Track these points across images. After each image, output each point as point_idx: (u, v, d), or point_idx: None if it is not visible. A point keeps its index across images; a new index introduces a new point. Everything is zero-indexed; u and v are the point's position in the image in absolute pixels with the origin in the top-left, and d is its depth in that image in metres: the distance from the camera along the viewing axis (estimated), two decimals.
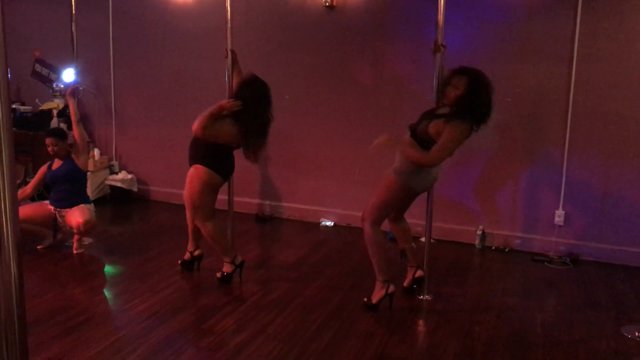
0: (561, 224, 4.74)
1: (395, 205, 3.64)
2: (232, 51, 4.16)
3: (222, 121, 3.74)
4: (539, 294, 4.01)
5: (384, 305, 3.57)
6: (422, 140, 3.44)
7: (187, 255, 4.23)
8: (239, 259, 4.02)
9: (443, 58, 3.66)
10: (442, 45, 3.61)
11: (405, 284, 3.89)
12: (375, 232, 3.56)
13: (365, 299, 3.63)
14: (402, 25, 5.09)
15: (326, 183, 5.56)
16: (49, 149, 4.56)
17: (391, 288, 3.57)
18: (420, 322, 3.56)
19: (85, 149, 4.62)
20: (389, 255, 3.73)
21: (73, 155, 4.57)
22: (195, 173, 3.83)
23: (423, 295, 3.81)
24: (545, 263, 4.58)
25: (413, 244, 3.91)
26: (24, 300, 1.24)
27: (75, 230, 4.44)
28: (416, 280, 3.85)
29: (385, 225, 3.82)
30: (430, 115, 3.50)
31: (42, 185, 4.74)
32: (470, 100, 3.37)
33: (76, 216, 4.40)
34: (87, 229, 4.42)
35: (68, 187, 4.54)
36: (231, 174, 4.02)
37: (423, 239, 4.15)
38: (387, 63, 5.22)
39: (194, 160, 3.87)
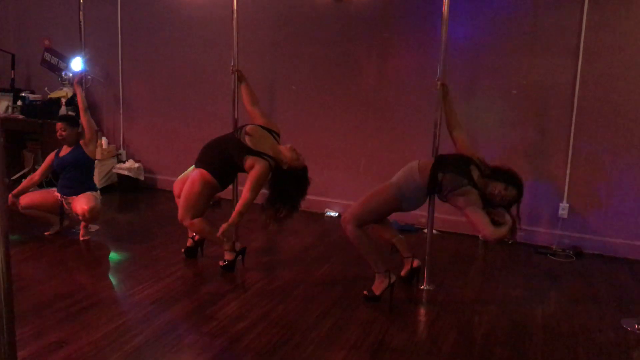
0: (565, 216, 4.74)
1: (380, 215, 3.73)
2: (239, 71, 4.20)
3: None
4: (541, 286, 4.02)
5: (385, 295, 3.60)
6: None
7: (189, 242, 4.28)
8: (238, 246, 4.05)
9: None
10: (444, 84, 3.69)
11: (402, 273, 3.92)
12: (358, 231, 3.59)
13: (366, 292, 3.64)
14: (409, 17, 5.09)
15: (332, 174, 5.58)
16: (58, 133, 4.61)
17: (393, 277, 3.60)
18: (421, 312, 3.59)
19: (93, 138, 4.66)
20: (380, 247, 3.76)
21: (81, 143, 4.61)
22: (200, 177, 3.89)
23: (424, 286, 3.84)
24: (549, 256, 4.59)
25: (400, 235, 3.93)
26: (12, 291, 1.24)
27: (80, 217, 4.49)
28: (414, 270, 3.87)
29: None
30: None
31: (50, 172, 4.79)
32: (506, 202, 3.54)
33: (82, 203, 4.45)
34: (92, 216, 4.47)
35: (75, 174, 4.59)
36: (231, 182, 4.11)
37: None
38: (394, 55, 5.22)
39: (203, 164, 3.93)
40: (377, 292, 3.59)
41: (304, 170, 3.93)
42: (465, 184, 3.43)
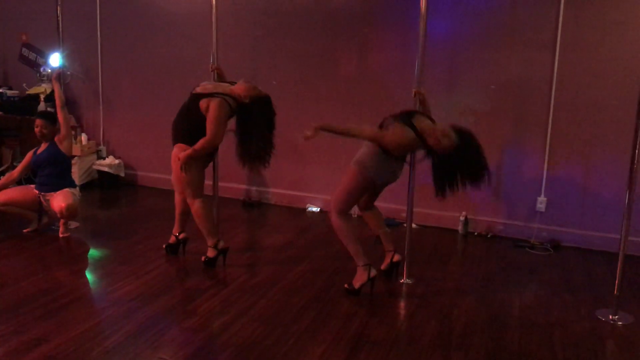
0: (543, 210, 4.81)
1: (357, 195, 3.72)
2: (218, 69, 4.21)
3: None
4: (519, 278, 4.08)
5: (365, 290, 3.63)
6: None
7: (172, 239, 4.27)
8: (221, 244, 4.05)
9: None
10: (419, 92, 3.74)
11: (382, 267, 3.95)
12: (343, 221, 3.65)
13: (347, 285, 3.67)
14: (388, 13, 5.12)
15: (313, 169, 5.60)
16: (37, 129, 4.57)
17: (373, 272, 3.63)
18: (401, 304, 3.62)
19: (68, 134, 4.62)
20: (363, 240, 3.78)
21: (56, 139, 4.58)
22: (178, 152, 3.86)
23: (404, 279, 3.87)
24: (527, 249, 4.66)
25: (387, 228, 3.97)
26: None
27: (58, 215, 4.46)
28: (394, 264, 3.91)
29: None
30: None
31: (29, 170, 4.75)
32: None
33: (59, 200, 4.42)
34: (69, 213, 4.45)
35: (51, 170, 4.55)
36: (214, 152, 4.03)
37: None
38: (374, 50, 5.25)
39: (176, 139, 3.91)
40: (357, 286, 3.62)
41: (267, 98, 3.92)
42: (398, 121, 3.48)
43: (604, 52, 4.49)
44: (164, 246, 4.29)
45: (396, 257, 3.90)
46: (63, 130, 4.58)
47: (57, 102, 4.61)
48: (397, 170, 3.70)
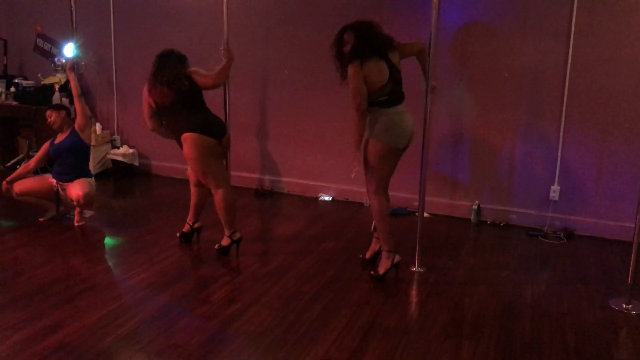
0: (556, 199, 4.78)
1: (387, 168, 3.64)
2: (228, 50, 4.11)
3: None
4: (532, 267, 4.07)
5: (390, 275, 3.67)
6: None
7: (186, 228, 4.31)
8: (236, 235, 4.06)
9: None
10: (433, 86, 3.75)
11: (367, 255, 3.98)
12: (380, 203, 3.64)
13: (372, 272, 3.72)
14: (400, 1, 5.08)
15: (325, 158, 5.61)
16: (49, 121, 4.64)
17: (397, 258, 3.66)
18: (412, 293, 3.63)
19: (87, 123, 4.66)
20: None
21: (76, 128, 4.62)
22: (184, 145, 3.88)
23: (416, 268, 3.88)
24: (540, 238, 4.64)
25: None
26: None
27: (75, 203, 4.52)
28: (379, 253, 3.90)
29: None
30: None
31: (45, 160, 4.79)
32: (360, 42, 3.55)
33: (76, 189, 4.47)
34: (86, 201, 4.50)
35: (71, 160, 4.60)
36: (219, 130, 3.96)
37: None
38: None
39: (178, 133, 3.91)
40: (381, 272, 3.65)
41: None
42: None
43: (619, 39, 4.43)
44: (178, 235, 4.33)
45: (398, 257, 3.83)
46: (81, 120, 4.61)
47: (74, 92, 4.65)
48: (410, 126, 3.62)
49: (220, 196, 3.93)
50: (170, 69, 3.85)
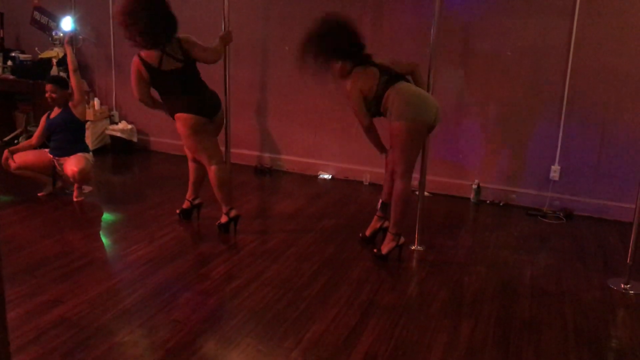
0: (556, 179, 4.77)
1: (416, 148, 3.53)
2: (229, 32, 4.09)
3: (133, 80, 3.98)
4: (531, 247, 4.07)
5: (392, 255, 3.68)
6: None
7: (186, 204, 4.29)
8: (233, 213, 4.03)
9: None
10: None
11: (367, 233, 3.97)
12: (406, 186, 3.53)
13: (375, 250, 3.72)
14: None
15: (325, 136, 5.58)
16: (47, 95, 4.56)
17: (402, 240, 3.65)
18: (411, 271, 3.64)
19: (82, 99, 4.62)
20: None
21: (70, 104, 4.58)
22: (177, 124, 3.88)
23: (415, 246, 3.88)
24: (539, 217, 4.64)
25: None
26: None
27: (70, 179, 4.50)
28: (383, 230, 3.89)
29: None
30: None
31: (46, 135, 4.75)
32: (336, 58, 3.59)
33: (72, 165, 4.45)
34: (81, 177, 4.47)
35: (66, 135, 4.57)
36: (211, 109, 3.93)
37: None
38: (388, 17, 5.16)
39: (171, 110, 3.91)
40: (384, 251, 3.65)
41: None
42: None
43: (623, 18, 4.38)
44: (177, 211, 4.32)
45: (387, 224, 3.84)
46: (76, 94, 4.57)
47: (70, 66, 4.60)
48: (431, 101, 3.52)
49: (213, 172, 3.92)
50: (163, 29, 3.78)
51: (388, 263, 3.65)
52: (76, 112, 4.58)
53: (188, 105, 3.81)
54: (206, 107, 3.88)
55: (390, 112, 3.46)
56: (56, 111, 4.62)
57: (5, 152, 4.61)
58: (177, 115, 3.85)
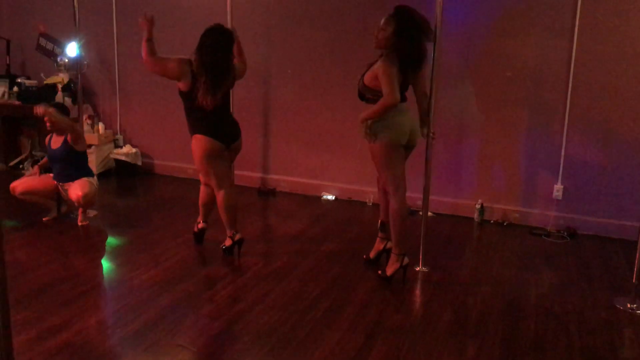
0: (560, 198, 4.78)
1: (394, 164, 3.58)
2: (233, 30, 4.13)
3: (172, 59, 3.86)
4: (536, 266, 4.06)
5: (397, 276, 3.66)
6: (363, 95, 3.61)
7: (199, 226, 4.29)
8: (237, 236, 4.03)
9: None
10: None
11: (371, 254, 3.97)
12: (400, 205, 3.58)
13: (380, 272, 3.72)
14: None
15: (328, 157, 5.61)
16: (46, 118, 4.52)
17: (405, 260, 3.64)
18: (416, 292, 3.63)
19: (79, 138, 4.59)
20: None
21: (68, 140, 4.55)
22: (193, 143, 3.89)
23: (419, 267, 3.88)
24: (543, 237, 4.63)
25: None
26: (6, 276, 1.25)
27: (75, 203, 4.52)
28: (386, 251, 3.89)
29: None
30: (364, 72, 3.64)
31: (48, 165, 4.77)
32: (398, 39, 3.46)
33: (76, 189, 4.47)
34: (86, 201, 4.49)
35: (68, 164, 4.58)
36: (230, 138, 3.95)
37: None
38: None
39: (190, 131, 3.93)
40: (389, 273, 3.65)
41: None
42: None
43: (622, 38, 4.42)
44: (195, 230, 4.32)
45: (389, 245, 3.83)
46: (72, 137, 4.54)
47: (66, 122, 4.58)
48: (409, 125, 3.57)
49: (222, 197, 3.95)
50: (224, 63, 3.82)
51: (393, 284, 3.64)
52: (77, 147, 4.58)
53: (207, 129, 3.84)
54: (225, 135, 3.91)
55: (369, 133, 3.54)
56: (56, 140, 4.62)
57: (36, 168, 4.73)
58: (196, 135, 3.87)
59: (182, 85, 3.82)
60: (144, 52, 3.86)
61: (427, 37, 3.49)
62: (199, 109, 3.80)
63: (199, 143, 3.86)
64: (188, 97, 3.83)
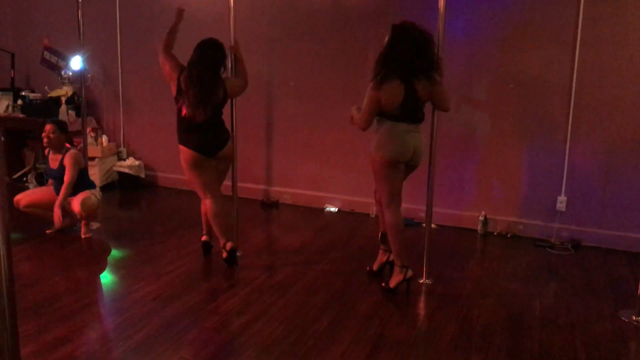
0: (563, 210, 4.76)
1: (391, 180, 3.59)
2: (234, 46, 4.17)
3: (172, 62, 4.01)
4: (540, 278, 4.05)
5: (401, 288, 3.66)
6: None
7: (204, 237, 4.34)
8: (228, 245, 4.00)
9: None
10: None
11: (374, 267, 3.97)
12: (394, 218, 3.59)
13: (383, 284, 3.71)
14: (405, 12, 5.09)
15: (331, 169, 5.61)
16: (44, 134, 4.51)
17: (409, 273, 3.63)
18: (420, 305, 3.62)
19: (74, 167, 4.53)
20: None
21: (64, 164, 4.52)
22: (180, 151, 4.01)
23: (423, 279, 3.87)
24: (547, 249, 4.62)
25: None
26: (14, 289, 1.26)
27: (77, 216, 4.52)
28: (389, 263, 3.88)
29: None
30: None
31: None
32: (390, 49, 3.50)
33: (77, 202, 4.47)
34: (87, 214, 4.50)
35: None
36: (213, 148, 3.98)
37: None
38: None
39: (178, 135, 4.04)
40: (392, 285, 3.64)
41: None
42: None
43: (625, 49, 4.43)
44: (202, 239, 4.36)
45: (392, 257, 3.80)
46: (67, 163, 4.53)
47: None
48: (413, 142, 3.56)
49: (208, 206, 4.04)
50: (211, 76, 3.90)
51: (396, 297, 3.63)
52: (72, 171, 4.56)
53: (187, 140, 3.94)
54: (205, 146, 3.95)
55: (374, 142, 3.58)
56: (53, 159, 4.61)
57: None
58: (179, 146, 3.99)
59: (172, 90, 3.96)
60: (161, 43, 4.04)
61: (425, 45, 3.48)
62: (183, 119, 3.91)
63: (181, 154, 3.99)
64: (176, 104, 3.96)
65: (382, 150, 3.53)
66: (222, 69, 3.98)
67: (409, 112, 3.51)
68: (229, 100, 4.08)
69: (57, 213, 4.42)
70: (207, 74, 3.85)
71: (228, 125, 4.17)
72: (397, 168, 3.58)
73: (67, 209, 4.66)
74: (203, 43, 3.97)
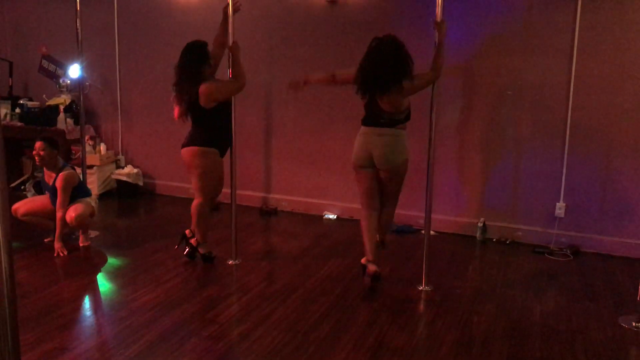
0: (562, 216, 4.77)
1: (360, 183, 3.94)
2: (234, 42, 4.20)
3: None
4: (539, 285, 4.04)
5: (386, 294, 3.66)
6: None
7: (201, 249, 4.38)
8: (202, 249, 4.30)
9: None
10: (442, 21, 3.64)
11: (363, 261, 4.00)
12: (363, 220, 3.95)
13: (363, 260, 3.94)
14: (403, 19, 5.12)
15: (329, 176, 5.61)
16: (35, 152, 4.43)
17: (371, 268, 3.78)
18: (420, 312, 3.61)
19: (67, 188, 4.50)
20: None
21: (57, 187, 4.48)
22: (186, 155, 4.23)
23: (423, 286, 3.86)
24: (546, 255, 4.62)
25: (377, 236, 4.00)
26: (16, 297, 1.26)
27: (70, 225, 4.49)
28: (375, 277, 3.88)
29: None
30: None
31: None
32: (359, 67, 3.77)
33: (70, 211, 4.44)
34: (78, 222, 4.45)
35: None
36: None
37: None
38: None
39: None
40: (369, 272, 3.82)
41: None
42: None
43: (622, 56, 4.45)
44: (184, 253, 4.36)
45: (371, 268, 3.79)
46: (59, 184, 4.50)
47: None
48: (364, 143, 3.80)
49: (197, 202, 4.21)
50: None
51: (396, 304, 3.62)
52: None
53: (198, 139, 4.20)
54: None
55: None
56: (48, 174, 4.57)
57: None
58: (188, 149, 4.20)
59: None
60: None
61: (390, 60, 3.63)
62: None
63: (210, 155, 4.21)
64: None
65: (354, 154, 3.85)
66: (205, 68, 4.09)
67: (372, 117, 3.74)
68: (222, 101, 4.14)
69: (57, 248, 4.45)
70: (183, 74, 4.06)
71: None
72: (362, 172, 3.85)
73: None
74: (185, 46, 4.18)
